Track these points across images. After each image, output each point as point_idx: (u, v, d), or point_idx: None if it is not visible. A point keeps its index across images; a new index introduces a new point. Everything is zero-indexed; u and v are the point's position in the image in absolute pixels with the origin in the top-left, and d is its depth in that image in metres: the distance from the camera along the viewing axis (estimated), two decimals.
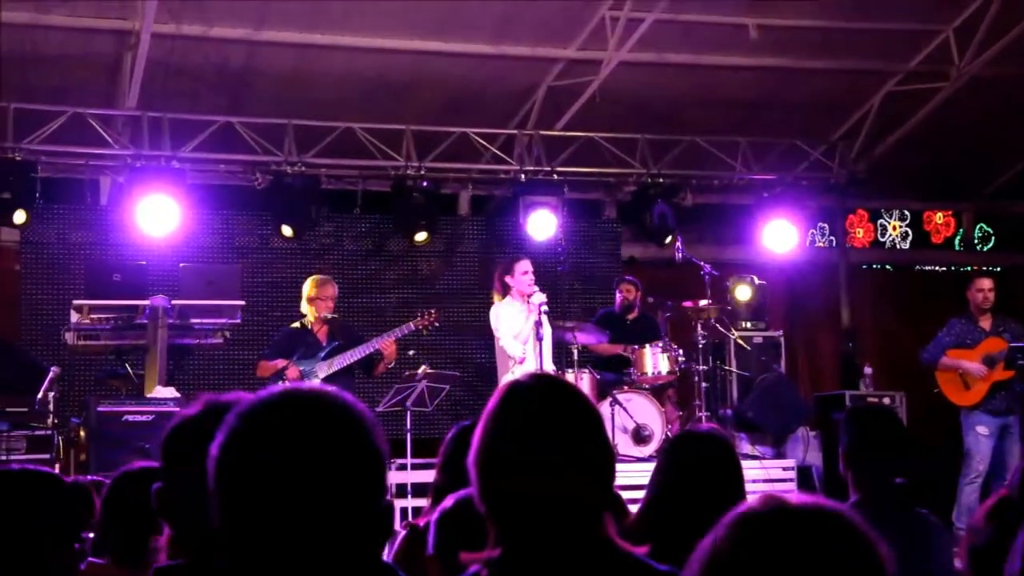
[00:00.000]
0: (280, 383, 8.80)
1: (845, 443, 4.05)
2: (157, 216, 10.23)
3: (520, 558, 2.04)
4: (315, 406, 1.68)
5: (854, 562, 1.42)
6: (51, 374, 8.56)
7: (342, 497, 1.62)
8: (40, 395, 8.49)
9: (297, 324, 9.23)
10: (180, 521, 2.23)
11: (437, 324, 9.31)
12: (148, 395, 8.98)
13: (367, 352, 8.94)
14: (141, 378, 9.37)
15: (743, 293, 11.65)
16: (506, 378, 9.13)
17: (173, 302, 9.35)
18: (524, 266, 9.26)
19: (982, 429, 9.15)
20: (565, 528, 2.04)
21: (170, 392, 9.01)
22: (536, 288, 9.10)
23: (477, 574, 2.08)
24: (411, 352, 9.64)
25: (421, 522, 3.74)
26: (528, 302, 9.04)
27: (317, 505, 1.62)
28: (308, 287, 9.14)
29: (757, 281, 11.66)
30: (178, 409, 8.69)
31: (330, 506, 1.62)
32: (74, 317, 9.35)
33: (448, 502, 3.08)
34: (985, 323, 9.44)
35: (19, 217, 10.22)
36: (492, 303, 9.41)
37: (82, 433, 8.73)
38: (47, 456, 8.30)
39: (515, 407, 2.14)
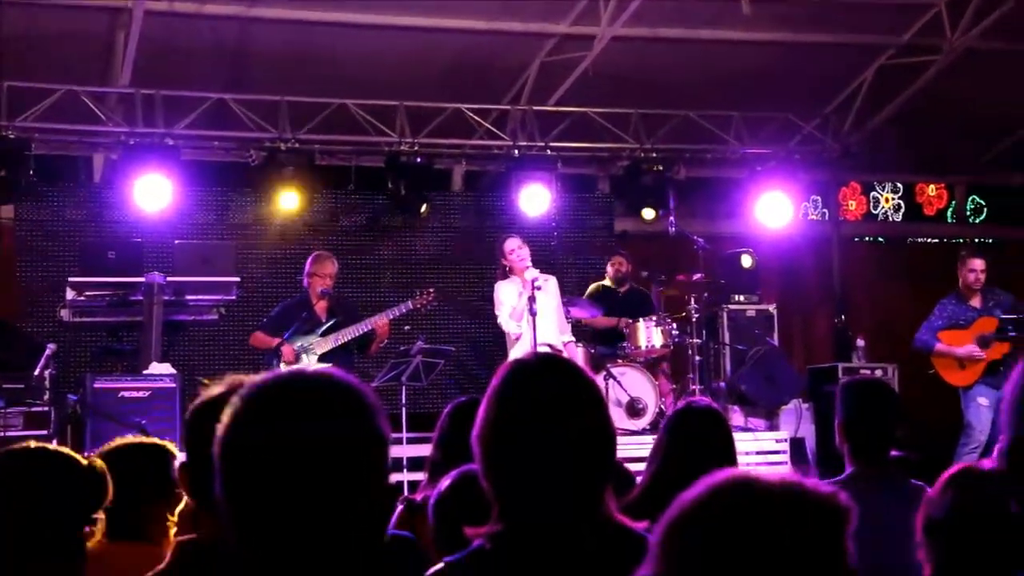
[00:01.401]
0: (277, 358, 8.85)
1: (841, 416, 4.06)
2: (151, 193, 10.23)
3: (522, 533, 2.09)
4: (319, 388, 1.71)
5: (815, 540, 1.43)
6: (47, 351, 8.59)
7: (345, 478, 1.66)
8: (36, 372, 8.52)
9: (296, 299, 9.28)
10: (203, 496, 2.27)
11: (436, 303, 9.37)
12: (144, 371, 9.03)
13: (363, 331, 8.98)
14: (136, 354, 9.41)
15: (747, 261, 11.68)
16: (511, 354, 9.25)
17: (168, 279, 9.39)
18: (510, 244, 9.36)
19: (983, 400, 9.20)
20: (567, 504, 2.09)
21: (166, 368, 9.05)
22: (528, 264, 9.17)
23: (480, 549, 2.12)
24: (406, 327, 9.69)
25: (418, 496, 3.79)
26: (523, 278, 9.12)
27: (320, 486, 1.65)
28: (308, 263, 9.20)
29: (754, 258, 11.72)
30: (174, 385, 8.80)
31: (333, 487, 1.66)
32: (69, 294, 9.38)
33: (443, 483, 3.12)
34: (976, 301, 9.45)
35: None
36: (492, 279, 9.55)
37: (78, 409, 8.76)
38: (45, 432, 8.33)
39: (517, 385, 2.18)
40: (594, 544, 2.07)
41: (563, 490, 2.09)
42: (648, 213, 11.75)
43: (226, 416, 1.70)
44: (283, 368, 8.71)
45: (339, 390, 1.72)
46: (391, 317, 9.06)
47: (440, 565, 2.18)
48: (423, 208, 11.32)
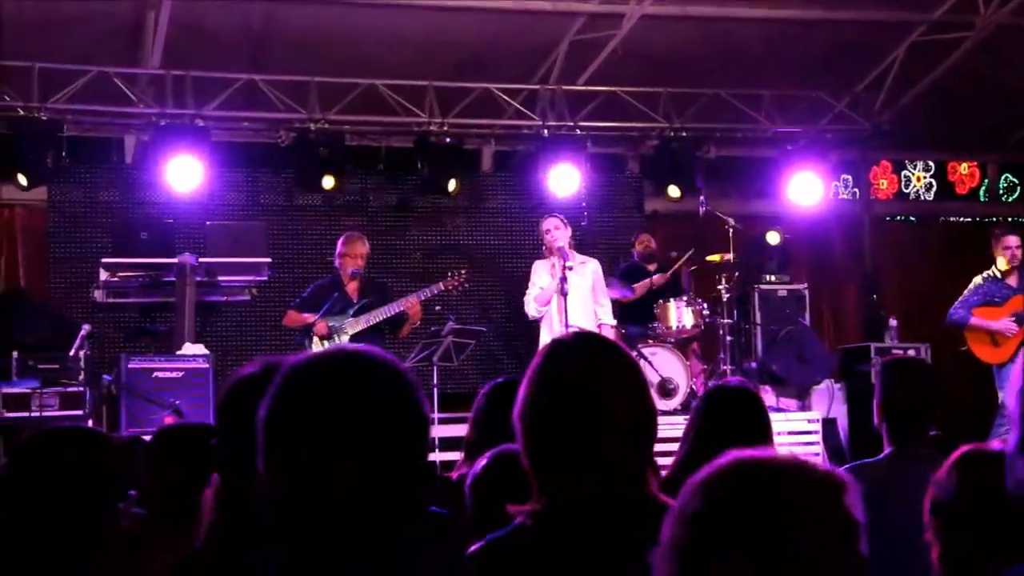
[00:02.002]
0: (308, 339, 8.89)
1: (880, 395, 4.03)
2: (182, 174, 10.27)
3: (564, 511, 2.10)
4: (362, 365, 1.72)
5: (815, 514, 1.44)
6: (82, 331, 8.66)
7: (386, 455, 1.67)
8: (72, 353, 8.59)
9: (327, 279, 9.30)
10: (235, 476, 2.28)
11: (467, 285, 9.39)
12: (177, 352, 9.09)
13: (394, 312, 8.99)
14: (170, 335, 9.48)
15: (773, 238, 11.65)
16: (542, 336, 9.32)
17: (200, 260, 9.44)
18: (547, 224, 9.45)
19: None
20: (608, 481, 2.09)
21: (199, 349, 9.11)
22: (561, 243, 9.22)
23: (522, 526, 2.13)
24: (437, 308, 9.69)
25: (454, 475, 3.81)
26: (556, 258, 9.18)
27: (361, 462, 1.66)
28: (341, 244, 9.21)
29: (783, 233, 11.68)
30: (207, 366, 8.86)
31: (374, 463, 1.67)
32: (103, 275, 9.46)
33: (480, 463, 3.13)
34: (1012, 280, 9.37)
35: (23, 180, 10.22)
36: (522, 260, 9.66)
37: (113, 390, 8.83)
38: (80, 413, 8.42)
39: (558, 362, 2.19)
40: (636, 521, 2.08)
41: (604, 467, 2.09)
42: (674, 191, 11.71)
43: (271, 392, 1.71)
44: (315, 345, 8.77)
45: (381, 368, 1.73)
46: (423, 298, 9.07)
47: (483, 542, 2.20)
48: (452, 186, 11.29)
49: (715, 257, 10.60)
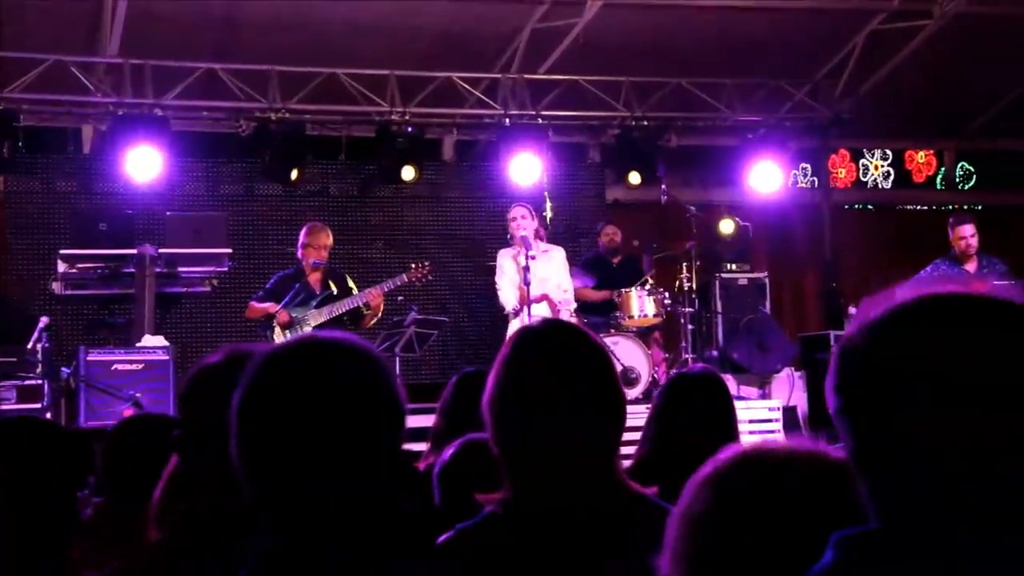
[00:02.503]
0: (270, 330, 8.84)
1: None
2: (141, 164, 10.18)
3: (534, 499, 2.10)
4: (338, 352, 1.71)
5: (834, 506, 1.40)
6: (40, 324, 8.57)
7: (364, 442, 1.66)
8: (29, 345, 8.50)
9: (291, 270, 9.24)
10: (197, 465, 2.26)
11: (431, 277, 9.36)
12: (137, 344, 9.02)
13: (357, 303, 8.96)
14: (129, 327, 9.40)
15: (727, 227, 11.69)
16: (512, 326, 9.30)
17: (160, 251, 9.36)
18: (512, 212, 9.45)
19: None
20: (578, 468, 2.09)
21: (159, 340, 9.04)
22: (525, 232, 9.21)
23: (492, 515, 2.13)
24: (400, 298, 9.67)
25: (421, 466, 3.80)
26: (523, 248, 9.15)
27: (338, 449, 1.65)
28: (303, 235, 9.15)
29: (740, 222, 11.72)
30: (167, 358, 8.79)
31: (352, 451, 1.66)
32: (61, 267, 9.36)
33: (445, 454, 3.13)
34: (970, 266, 9.37)
35: None
36: (484, 249, 9.61)
37: (72, 382, 8.75)
38: (38, 406, 8.33)
39: (527, 350, 2.19)
40: (607, 508, 2.08)
41: (575, 453, 2.09)
42: (635, 177, 11.72)
43: (245, 380, 1.70)
44: (277, 335, 8.69)
45: (358, 355, 1.72)
46: (386, 290, 9.04)
47: (453, 532, 2.19)
48: (409, 175, 11.20)
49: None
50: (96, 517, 3.23)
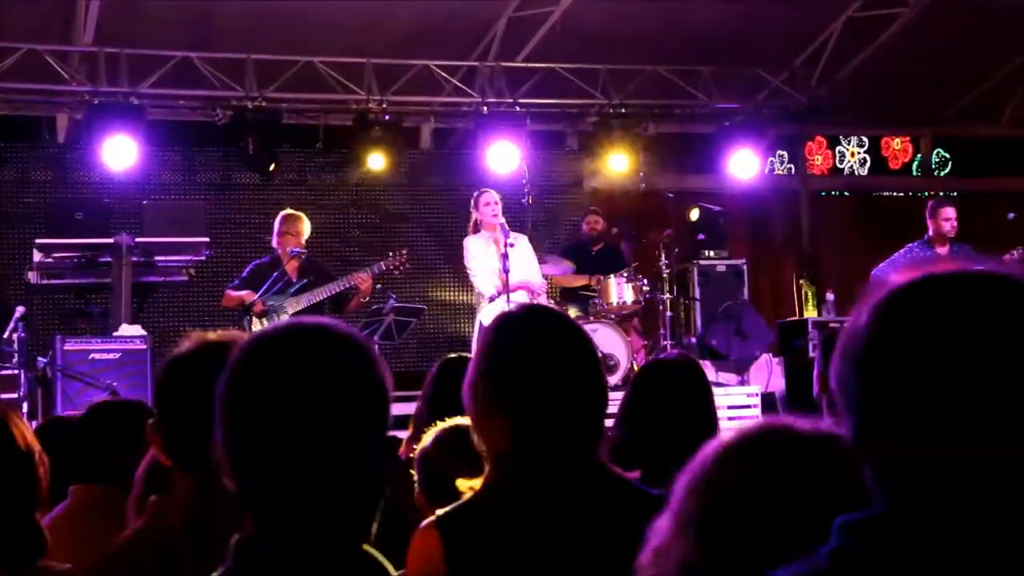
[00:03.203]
0: (246, 318, 8.81)
1: (822, 365, 4.09)
2: (117, 153, 10.13)
3: (516, 484, 2.10)
4: (323, 338, 1.71)
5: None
6: (16, 313, 8.51)
7: (352, 425, 1.66)
8: (5, 335, 8.44)
9: (267, 259, 9.20)
10: (176, 453, 2.26)
11: (408, 265, 9.34)
12: (114, 333, 8.97)
13: (341, 288, 8.94)
14: (106, 316, 9.35)
15: (693, 214, 11.73)
16: (481, 313, 9.26)
17: (137, 240, 9.31)
18: (487, 197, 9.31)
19: None
20: (561, 453, 2.09)
21: (136, 330, 9.00)
22: (499, 219, 9.14)
23: (473, 500, 2.13)
24: (378, 286, 9.65)
25: (403, 453, 3.79)
26: (498, 234, 9.08)
27: (326, 435, 1.65)
28: (279, 223, 9.12)
29: (707, 208, 11.75)
30: (145, 347, 8.75)
31: (340, 434, 1.65)
32: (36, 256, 9.28)
33: (427, 440, 3.13)
34: (943, 249, 9.49)
35: None
36: (460, 237, 9.51)
37: (48, 372, 8.70)
38: (15, 396, 8.28)
39: (507, 334, 2.18)
40: (589, 493, 2.08)
41: (557, 439, 2.09)
42: (618, 163, 11.71)
43: (230, 367, 1.69)
44: (254, 324, 8.63)
45: (343, 340, 1.72)
46: (375, 273, 9.04)
47: (432, 518, 2.19)
48: (380, 163, 11.17)
49: None
50: (74, 503, 3.22)
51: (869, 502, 1.25)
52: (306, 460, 1.63)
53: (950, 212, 9.47)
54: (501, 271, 8.93)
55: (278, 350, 1.69)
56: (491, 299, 9.14)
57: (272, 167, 10.82)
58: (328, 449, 1.64)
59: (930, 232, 9.52)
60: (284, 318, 8.74)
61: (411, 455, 3.17)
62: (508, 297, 8.80)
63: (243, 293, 8.92)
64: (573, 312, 10.06)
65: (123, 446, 3.24)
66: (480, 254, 9.27)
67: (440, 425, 3.11)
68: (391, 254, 9.23)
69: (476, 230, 9.37)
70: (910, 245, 9.64)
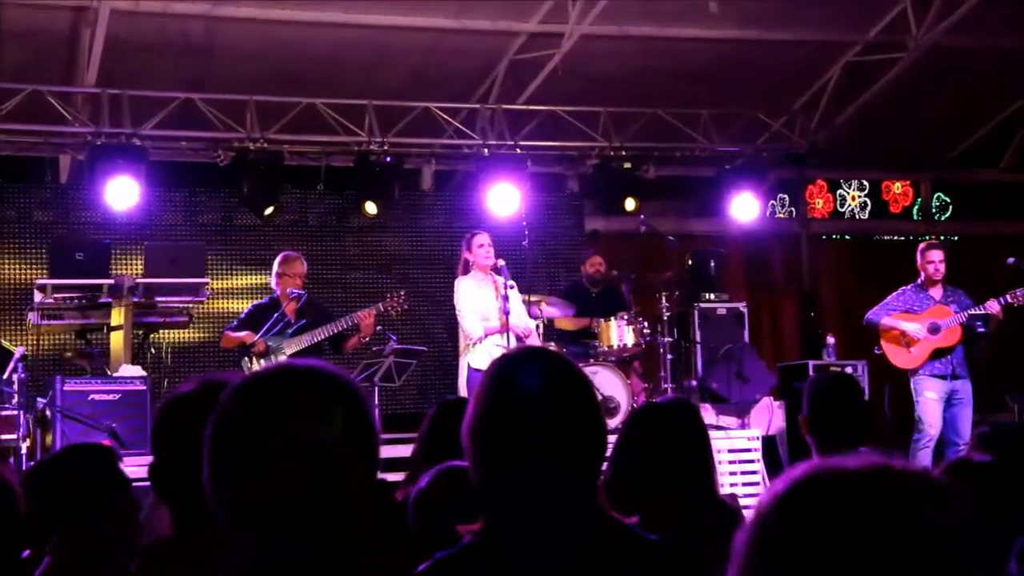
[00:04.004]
0: (246, 358, 8.81)
1: (806, 411, 4.13)
2: (119, 194, 10.15)
3: (514, 527, 2.08)
4: (310, 380, 1.70)
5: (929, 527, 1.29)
6: (17, 354, 8.51)
7: (339, 470, 1.65)
8: (5, 375, 8.43)
9: (266, 300, 9.22)
10: (173, 495, 2.25)
11: (406, 306, 9.35)
12: (114, 374, 8.96)
13: (341, 328, 8.95)
14: (107, 357, 9.34)
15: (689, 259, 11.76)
16: (465, 356, 9.25)
17: (137, 280, 9.32)
18: (480, 239, 9.31)
19: (930, 394, 9.15)
20: (559, 497, 2.08)
21: (136, 370, 8.99)
22: (496, 260, 9.14)
23: (471, 544, 2.11)
24: (378, 328, 9.64)
25: (399, 496, 3.77)
26: (493, 277, 9.08)
27: (310, 478, 1.64)
28: (278, 264, 9.14)
29: (704, 251, 11.77)
30: (144, 388, 8.73)
31: (323, 479, 1.65)
32: (37, 297, 9.29)
33: (423, 481, 3.11)
34: (935, 293, 9.44)
35: None
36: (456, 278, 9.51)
37: (48, 412, 8.68)
38: (14, 436, 8.25)
39: (507, 376, 2.17)
40: (587, 538, 2.07)
41: (555, 481, 2.08)
42: (630, 204, 11.72)
43: (218, 409, 1.69)
44: (254, 363, 8.63)
45: (329, 383, 1.72)
46: (376, 313, 9.04)
47: (430, 563, 2.17)
48: (371, 208, 11.22)
49: None
50: (56, 556, 3.17)
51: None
52: (288, 501, 1.62)
53: (936, 255, 9.41)
54: (501, 311, 8.91)
55: (263, 394, 1.68)
56: (478, 340, 9.15)
57: (270, 210, 10.82)
58: (310, 492, 1.63)
59: (921, 275, 9.50)
60: (282, 359, 8.74)
61: (406, 498, 3.16)
62: (508, 338, 8.78)
63: (243, 334, 8.93)
64: (572, 354, 10.04)
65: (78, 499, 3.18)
66: (471, 295, 9.28)
67: (433, 470, 3.09)
68: (389, 295, 9.28)
69: (466, 271, 9.38)
70: (903, 288, 9.62)
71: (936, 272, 9.36)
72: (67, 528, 3.09)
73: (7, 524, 2.55)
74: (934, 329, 9.19)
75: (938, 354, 9.19)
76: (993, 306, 9.13)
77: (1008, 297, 9.15)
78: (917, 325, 9.22)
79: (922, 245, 9.67)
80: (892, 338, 9.39)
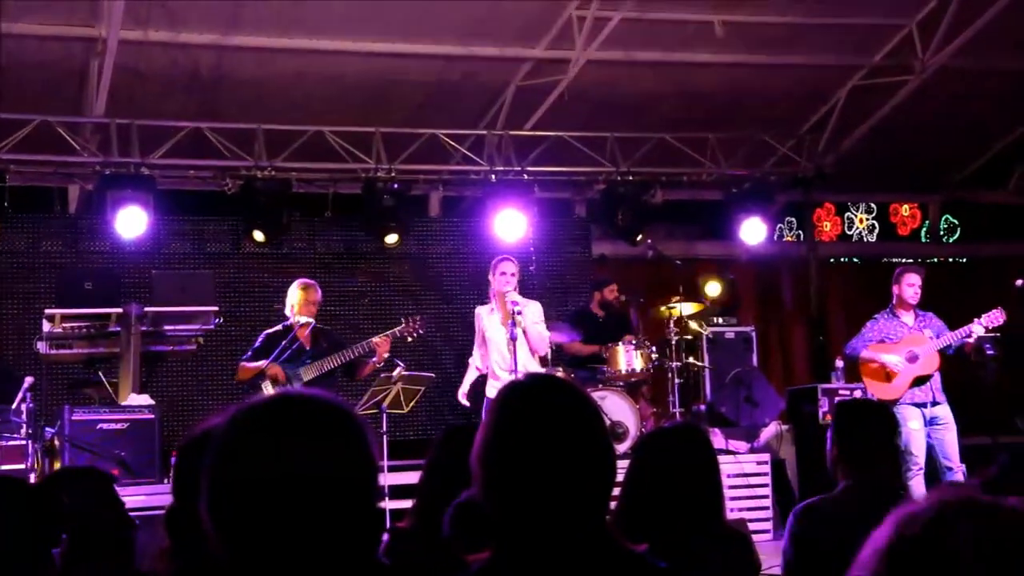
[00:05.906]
0: (262, 383, 8.73)
1: (836, 438, 4.08)
2: (128, 223, 10.18)
3: (524, 555, 2.07)
4: (308, 411, 1.70)
5: None
6: (25, 383, 8.51)
7: (334, 503, 1.64)
8: (14, 405, 8.44)
9: (279, 328, 9.11)
10: (190, 542, 2.21)
11: (421, 332, 9.27)
12: (122, 403, 8.96)
13: (358, 353, 8.87)
14: (115, 386, 9.34)
15: (713, 289, 11.74)
16: (466, 380, 9.25)
17: (146, 309, 9.32)
18: (503, 267, 9.07)
19: (913, 424, 9.00)
20: (569, 524, 2.07)
21: (144, 399, 8.99)
22: (509, 288, 9.03)
23: (481, 570, 2.10)
24: (386, 354, 9.63)
25: (405, 524, 3.76)
26: (503, 303, 8.99)
27: (309, 511, 1.63)
28: (294, 292, 9.01)
29: (728, 276, 11.76)
30: (153, 416, 8.72)
31: (321, 512, 1.64)
32: (46, 326, 9.30)
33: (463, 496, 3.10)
34: (908, 318, 9.29)
35: None
36: (469, 304, 9.51)
37: (56, 442, 8.68)
38: (23, 466, 8.25)
39: (517, 403, 2.17)
40: (596, 565, 2.06)
41: (565, 510, 2.07)
42: (626, 230, 11.74)
43: (216, 441, 1.68)
44: (269, 388, 8.55)
45: (328, 413, 1.71)
46: (390, 340, 8.98)
47: None
48: (391, 239, 11.26)
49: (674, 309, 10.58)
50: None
51: None
52: (287, 534, 1.62)
53: (914, 278, 9.25)
54: (508, 341, 8.81)
55: (260, 426, 1.68)
56: (477, 370, 9.19)
57: (263, 237, 10.84)
58: (309, 524, 1.62)
59: (893, 299, 9.34)
60: (298, 385, 8.69)
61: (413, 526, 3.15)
62: (515, 367, 8.72)
63: (260, 363, 8.82)
64: (581, 379, 10.02)
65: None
66: (480, 325, 9.19)
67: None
68: (404, 321, 9.14)
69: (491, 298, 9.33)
70: (876, 316, 9.41)
71: (915, 296, 9.20)
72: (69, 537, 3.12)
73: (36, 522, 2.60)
74: (912, 358, 9.08)
75: (917, 382, 9.07)
76: (978, 329, 9.04)
77: (984, 319, 9.07)
78: (896, 357, 9.08)
79: (899, 269, 9.49)
80: (872, 371, 9.27)
